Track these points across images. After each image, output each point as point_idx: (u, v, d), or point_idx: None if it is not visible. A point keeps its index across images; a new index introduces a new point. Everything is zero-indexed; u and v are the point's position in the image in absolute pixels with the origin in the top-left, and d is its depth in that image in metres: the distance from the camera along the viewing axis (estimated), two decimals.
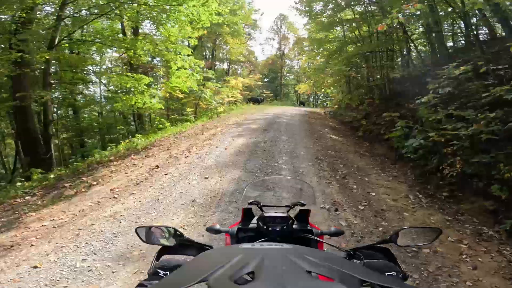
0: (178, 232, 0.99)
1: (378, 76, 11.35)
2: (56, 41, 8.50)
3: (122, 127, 13.41)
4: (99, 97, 14.78)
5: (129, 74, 9.81)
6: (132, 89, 10.29)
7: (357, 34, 12.28)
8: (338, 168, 5.98)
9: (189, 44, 11.21)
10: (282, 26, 35.76)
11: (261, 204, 1.29)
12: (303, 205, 1.31)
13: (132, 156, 7.39)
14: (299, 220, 1.30)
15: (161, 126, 10.86)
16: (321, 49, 15.92)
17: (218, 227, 1.21)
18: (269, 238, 1.12)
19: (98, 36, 8.88)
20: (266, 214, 1.20)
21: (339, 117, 14.19)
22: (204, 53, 24.33)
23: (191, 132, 10.16)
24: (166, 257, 0.97)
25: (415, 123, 6.82)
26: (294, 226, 1.20)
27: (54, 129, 10.69)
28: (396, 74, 10.07)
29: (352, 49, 12.82)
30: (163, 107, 10.50)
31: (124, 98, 9.97)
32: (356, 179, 5.49)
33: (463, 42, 10.60)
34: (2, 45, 7.98)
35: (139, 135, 9.30)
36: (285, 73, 37.29)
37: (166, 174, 5.70)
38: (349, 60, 11.42)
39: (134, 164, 6.71)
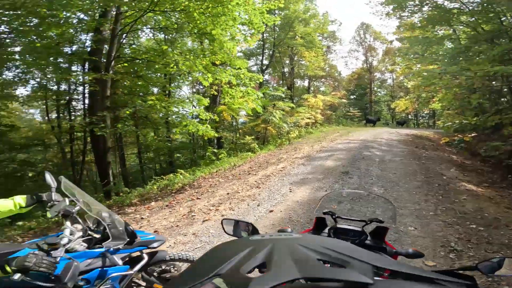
0: (255, 229, 1.09)
1: None
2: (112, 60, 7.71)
3: (179, 155, 12.35)
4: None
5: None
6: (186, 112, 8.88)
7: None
8: None
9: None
10: (366, 36, 31.12)
11: (336, 215, 1.29)
12: (381, 222, 1.25)
13: (151, 203, 5.49)
14: (374, 237, 1.24)
15: (213, 157, 8.99)
16: (429, 52, 11.54)
17: (289, 231, 1.15)
18: None
19: (148, 53, 7.80)
20: (339, 226, 1.23)
21: (467, 147, 9.40)
22: (283, 70, 22.52)
23: (245, 168, 7.83)
24: None
25: None
26: (366, 242, 1.18)
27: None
28: None
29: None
30: (216, 135, 8.67)
31: (177, 123, 8.58)
32: None
33: None
34: None
35: (182, 171, 7.57)
36: (375, 88, 31.93)
37: None
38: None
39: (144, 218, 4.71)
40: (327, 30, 23.44)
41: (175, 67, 6.52)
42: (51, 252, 1.31)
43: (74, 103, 13.68)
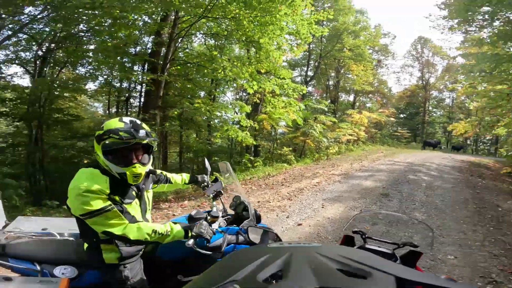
0: (278, 238, 1.18)
1: None
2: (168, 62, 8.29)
3: (217, 158, 12.77)
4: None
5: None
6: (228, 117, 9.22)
7: None
8: None
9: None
10: (424, 51, 28.62)
11: (366, 235, 1.28)
12: (415, 246, 1.21)
13: (185, 202, 5.75)
14: (405, 261, 1.20)
15: (249, 165, 9.13)
16: (498, 71, 10.36)
17: None
18: None
19: (199, 57, 8.32)
20: (368, 246, 1.21)
21: None
22: (327, 83, 22.04)
23: (279, 179, 7.81)
24: None
25: None
26: None
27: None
28: None
29: None
30: (254, 143, 8.79)
31: (218, 127, 8.96)
32: None
33: None
34: None
35: (217, 174, 7.80)
36: (430, 107, 29.42)
37: None
38: None
39: None
40: (379, 43, 22.46)
41: (222, 72, 6.85)
42: (212, 224, 1.50)
43: (131, 100, 15.08)
